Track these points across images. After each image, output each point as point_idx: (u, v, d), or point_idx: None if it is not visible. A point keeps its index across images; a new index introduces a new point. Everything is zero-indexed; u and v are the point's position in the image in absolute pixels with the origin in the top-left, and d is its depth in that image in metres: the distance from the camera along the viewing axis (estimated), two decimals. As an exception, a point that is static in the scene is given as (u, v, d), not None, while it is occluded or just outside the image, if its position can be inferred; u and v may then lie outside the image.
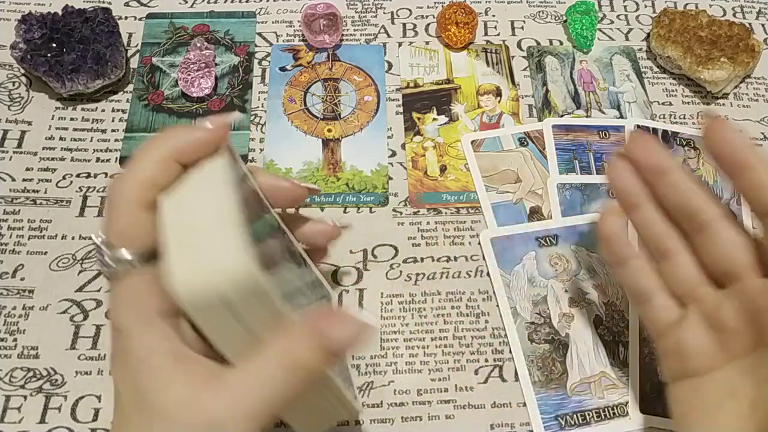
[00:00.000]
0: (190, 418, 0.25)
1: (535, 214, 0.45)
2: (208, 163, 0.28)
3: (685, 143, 0.48)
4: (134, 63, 0.51)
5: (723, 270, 0.31)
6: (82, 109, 0.49)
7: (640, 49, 0.54)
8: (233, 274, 0.24)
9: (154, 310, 0.27)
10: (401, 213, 0.46)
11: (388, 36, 0.54)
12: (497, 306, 0.42)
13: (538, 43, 0.54)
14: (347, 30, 0.54)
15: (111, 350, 0.28)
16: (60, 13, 0.49)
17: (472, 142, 0.48)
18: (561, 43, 0.54)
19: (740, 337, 0.30)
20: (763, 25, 0.56)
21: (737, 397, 0.29)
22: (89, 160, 0.47)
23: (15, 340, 0.40)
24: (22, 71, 0.50)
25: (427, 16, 0.55)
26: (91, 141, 0.48)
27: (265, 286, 0.25)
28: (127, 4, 0.54)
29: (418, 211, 0.46)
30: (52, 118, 0.48)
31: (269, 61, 0.52)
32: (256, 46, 0.53)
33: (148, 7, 0.54)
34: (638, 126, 0.49)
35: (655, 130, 0.49)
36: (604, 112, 0.50)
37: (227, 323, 0.26)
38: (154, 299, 0.27)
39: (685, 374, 0.31)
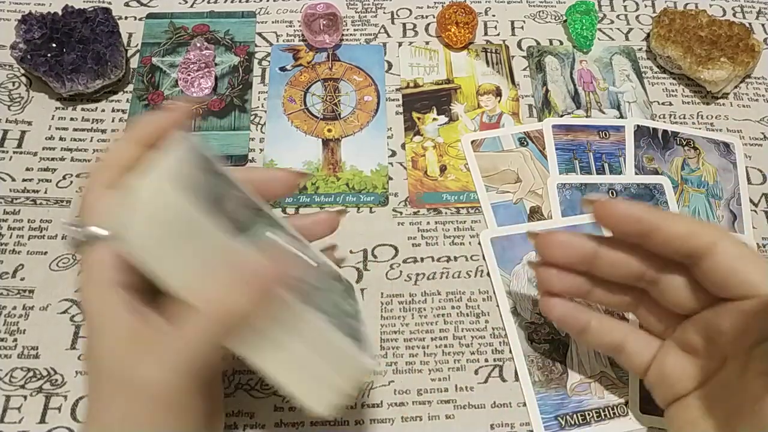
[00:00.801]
0: (122, 380, 0.27)
1: (535, 214, 0.45)
2: (170, 148, 0.30)
3: (685, 143, 0.48)
4: (134, 63, 0.51)
5: (680, 310, 0.33)
6: (82, 109, 0.49)
7: (640, 49, 0.54)
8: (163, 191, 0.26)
9: (114, 281, 0.28)
10: (401, 213, 0.46)
11: (388, 36, 0.54)
12: (497, 306, 0.42)
13: (538, 43, 0.54)
14: (347, 30, 0.54)
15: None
16: (60, 13, 0.49)
17: (472, 142, 0.48)
18: (561, 43, 0.54)
19: (710, 357, 0.32)
20: (763, 25, 0.56)
21: (715, 412, 0.32)
22: (89, 160, 0.47)
23: (15, 340, 0.40)
24: (22, 71, 0.50)
25: (427, 16, 0.55)
26: (91, 141, 0.48)
27: (192, 207, 0.26)
28: (127, 4, 0.54)
29: (418, 211, 0.46)
30: (52, 118, 0.48)
31: (269, 61, 0.52)
32: (256, 46, 0.53)
33: (148, 7, 0.54)
34: (638, 126, 0.49)
35: (655, 130, 0.49)
36: (604, 112, 0.50)
37: (178, 255, 0.27)
38: (115, 272, 0.28)
39: (674, 397, 0.33)
